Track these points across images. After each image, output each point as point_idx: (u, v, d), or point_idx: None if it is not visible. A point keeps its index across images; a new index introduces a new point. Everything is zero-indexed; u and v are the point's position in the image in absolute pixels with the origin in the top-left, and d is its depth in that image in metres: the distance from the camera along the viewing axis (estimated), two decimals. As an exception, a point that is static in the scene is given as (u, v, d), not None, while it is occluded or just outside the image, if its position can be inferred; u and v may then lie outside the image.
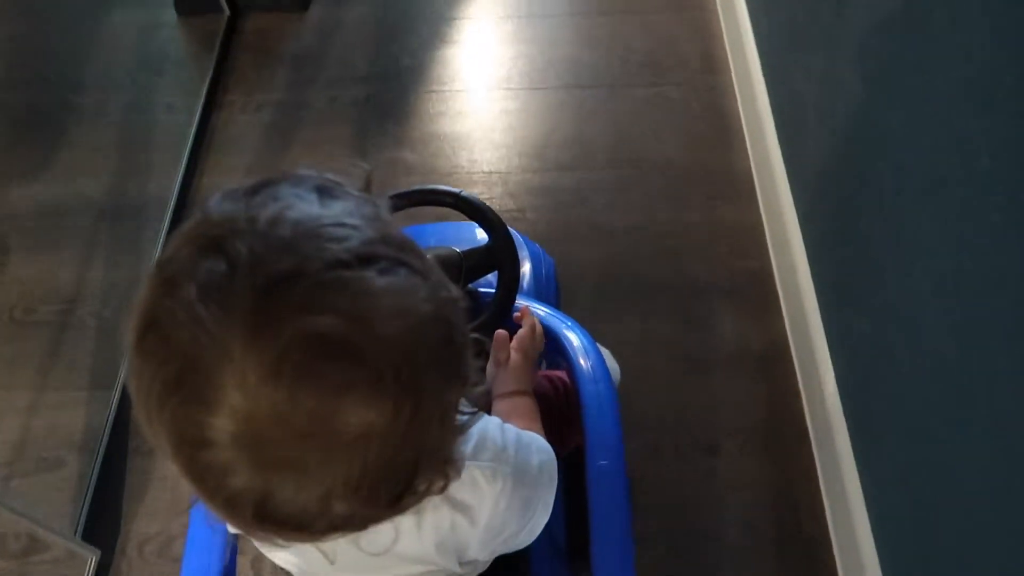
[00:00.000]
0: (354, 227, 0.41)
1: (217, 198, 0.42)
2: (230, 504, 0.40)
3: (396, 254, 0.41)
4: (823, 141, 1.29)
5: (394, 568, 0.60)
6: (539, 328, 0.83)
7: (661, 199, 1.62)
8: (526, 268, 1.12)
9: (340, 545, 0.54)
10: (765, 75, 1.62)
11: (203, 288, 0.37)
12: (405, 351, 0.39)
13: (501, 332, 0.80)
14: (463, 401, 0.48)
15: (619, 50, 1.87)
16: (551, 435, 0.72)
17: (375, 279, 0.39)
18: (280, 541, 0.43)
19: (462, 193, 0.87)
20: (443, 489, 0.46)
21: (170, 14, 1.98)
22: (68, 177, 1.71)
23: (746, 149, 1.68)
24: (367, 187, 0.47)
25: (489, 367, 0.78)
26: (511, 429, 0.62)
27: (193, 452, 0.38)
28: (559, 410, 0.88)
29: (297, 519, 0.40)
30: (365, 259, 0.39)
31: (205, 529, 0.72)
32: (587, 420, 0.80)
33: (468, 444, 0.57)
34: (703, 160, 1.67)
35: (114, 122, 1.80)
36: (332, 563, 0.57)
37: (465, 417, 0.48)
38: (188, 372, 0.37)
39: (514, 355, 0.78)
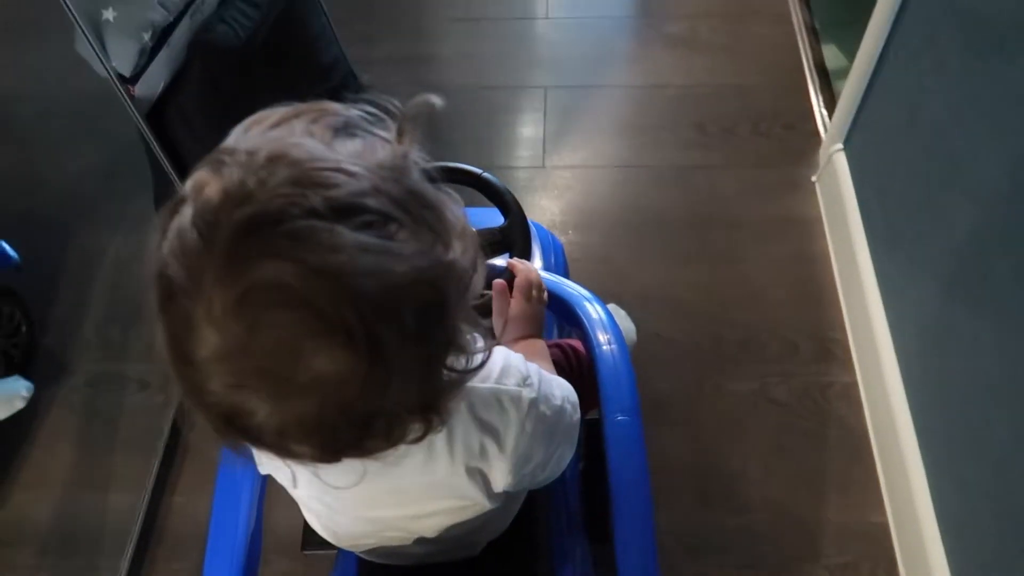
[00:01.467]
0: (350, 174, 0.41)
1: (245, 124, 0.45)
2: (205, 409, 0.43)
3: (387, 208, 0.41)
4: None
5: (428, 503, 0.63)
6: (534, 273, 0.81)
7: (768, 568, 1.22)
8: (536, 251, 1.12)
9: (304, 474, 0.62)
10: (904, 377, 1.23)
11: (196, 213, 0.40)
12: (369, 309, 0.39)
13: (499, 282, 0.79)
14: (463, 356, 0.48)
15: (708, 321, 1.47)
16: None
17: (348, 234, 0.39)
18: (260, 456, 0.50)
19: (483, 174, 0.88)
20: (422, 437, 0.48)
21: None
22: (10, 496, 1.36)
23: (880, 494, 1.28)
24: (400, 131, 0.46)
25: (495, 319, 0.78)
26: (533, 364, 0.64)
27: (179, 364, 0.42)
28: (571, 378, 0.86)
29: (262, 439, 0.44)
30: (346, 210, 0.40)
31: (233, 473, 0.76)
32: (601, 379, 0.81)
33: (494, 368, 0.59)
34: (824, 507, 1.27)
35: (74, 406, 1.45)
36: (295, 487, 0.64)
37: (454, 375, 0.48)
38: (173, 292, 0.41)
39: (513, 304, 0.78)
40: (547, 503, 0.85)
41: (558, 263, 1.20)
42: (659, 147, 1.73)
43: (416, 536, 0.69)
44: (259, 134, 0.43)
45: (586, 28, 2.01)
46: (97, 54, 1.18)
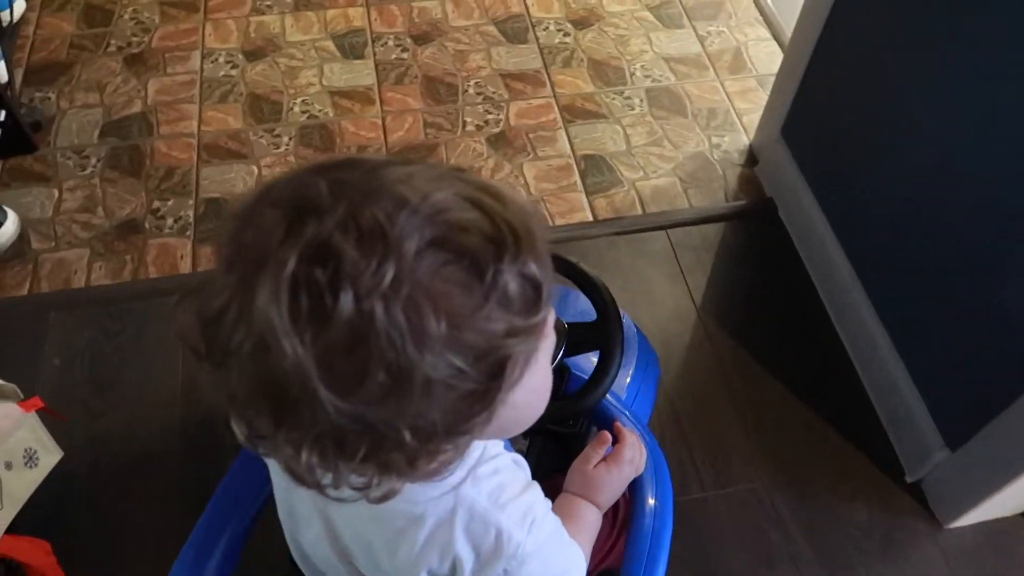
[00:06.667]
0: (397, 249, 0.39)
1: (470, 180, 0.44)
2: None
3: (355, 316, 0.39)
4: None
5: (391, 535, 0.56)
6: (639, 449, 0.78)
7: None
8: (629, 363, 1.06)
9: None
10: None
11: (344, 176, 0.43)
12: (262, 345, 0.40)
13: (605, 433, 0.78)
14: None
15: None
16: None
17: (305, 257, 0.39)
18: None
19: (579, 264, 0.85)
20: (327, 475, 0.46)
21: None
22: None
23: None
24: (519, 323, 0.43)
25: (579, 460, 0.76)
26: (555, 519, 0.59)
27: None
28: (603, 533, 0.84)
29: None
30: (323, 256, 0.39)
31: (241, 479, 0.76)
32: (628, 557, 0.75)
33: (505, 488, 0.55)
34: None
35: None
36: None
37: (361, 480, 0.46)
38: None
39: (602, 467, 0.75)
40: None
41: (648, 384, 1.09)
42: None
43: None
44: (429, 179, 0.42)
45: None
46: None
